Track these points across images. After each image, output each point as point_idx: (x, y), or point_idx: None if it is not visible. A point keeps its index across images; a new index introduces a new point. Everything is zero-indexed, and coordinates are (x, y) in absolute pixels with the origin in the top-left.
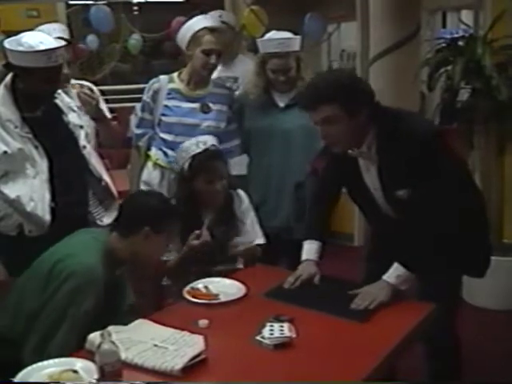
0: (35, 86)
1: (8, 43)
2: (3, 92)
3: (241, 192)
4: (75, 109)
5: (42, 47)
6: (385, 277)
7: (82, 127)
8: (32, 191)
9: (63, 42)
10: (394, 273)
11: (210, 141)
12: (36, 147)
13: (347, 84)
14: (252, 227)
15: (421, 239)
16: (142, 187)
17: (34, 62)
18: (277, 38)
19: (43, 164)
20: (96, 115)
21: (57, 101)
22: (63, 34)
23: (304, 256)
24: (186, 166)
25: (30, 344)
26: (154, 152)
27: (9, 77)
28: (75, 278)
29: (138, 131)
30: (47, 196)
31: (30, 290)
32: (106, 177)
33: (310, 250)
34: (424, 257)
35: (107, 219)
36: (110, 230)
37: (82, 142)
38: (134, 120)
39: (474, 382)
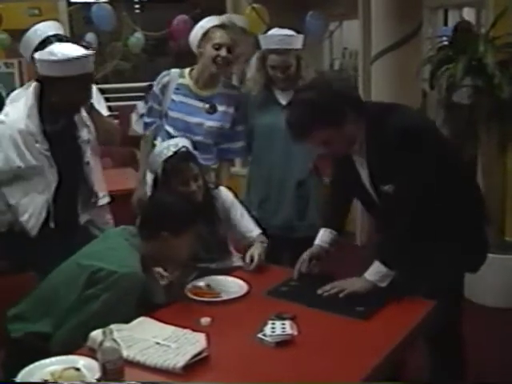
0: (68, 95)
1: (40, 55)
2: (32, 103)
3: (223, 189)
4: (88, 123)
5: (76, 54)
6: (366, 274)
7: (89, 142)
8: (31, 204)
9: (91, 51)
10: (374, 270)
11: (181, 143)
12: (51, 166)
13: (324, 103)
14: (240, 222)
15: (400, 234)
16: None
17: (70, 70)
18: (278, 34)
19: (53, 184)
20: (87, 108)
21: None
22: (59, 31)
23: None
24: (160, 170)
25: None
26: (159, 142)
27: (37, 88)
28: (126, 282)
29: (147, 120)
30: (43, 214)
31: (64, 293)
32: (97, 187)
33: (320, 235)
34: (403, 252)
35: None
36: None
37: (87, 158)
38: (134, 118)
39: (473, 381)
